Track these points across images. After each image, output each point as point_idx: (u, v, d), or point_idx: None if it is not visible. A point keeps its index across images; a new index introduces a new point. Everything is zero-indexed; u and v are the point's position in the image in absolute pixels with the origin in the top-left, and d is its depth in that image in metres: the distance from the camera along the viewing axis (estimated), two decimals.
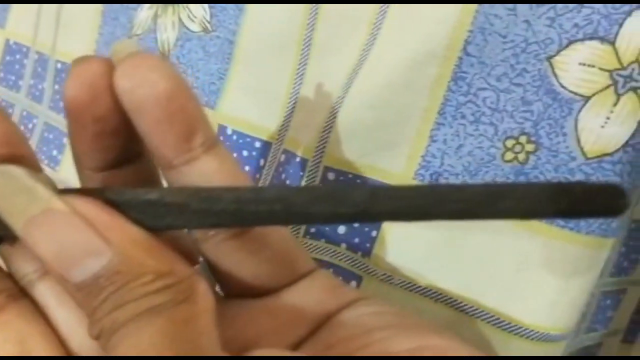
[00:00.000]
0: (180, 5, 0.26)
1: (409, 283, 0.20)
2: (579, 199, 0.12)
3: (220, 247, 0.15)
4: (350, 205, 0.12)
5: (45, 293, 0.14)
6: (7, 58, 0.35)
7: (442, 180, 0.20)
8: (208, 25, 0.25)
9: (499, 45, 0.19)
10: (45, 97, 0.32)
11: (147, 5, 0.27)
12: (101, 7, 0.29)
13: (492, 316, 0.19)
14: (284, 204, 0.13)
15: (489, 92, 0.19)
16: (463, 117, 0.20)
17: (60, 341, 0.14)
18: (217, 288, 0.18)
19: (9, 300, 0.14)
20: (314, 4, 0.22)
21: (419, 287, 0.20)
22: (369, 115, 0.20)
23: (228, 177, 0.15)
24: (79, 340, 0.14)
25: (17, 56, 0.34)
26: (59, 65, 0.32)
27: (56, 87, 0.32)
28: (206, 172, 0.15)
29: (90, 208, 0.13)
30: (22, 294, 0.14)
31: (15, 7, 0.35)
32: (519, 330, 0.19)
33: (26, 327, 0.14)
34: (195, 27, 0.25)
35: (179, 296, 0.13)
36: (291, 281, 0.17)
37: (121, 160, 0.16)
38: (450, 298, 0.20)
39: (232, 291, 0.17)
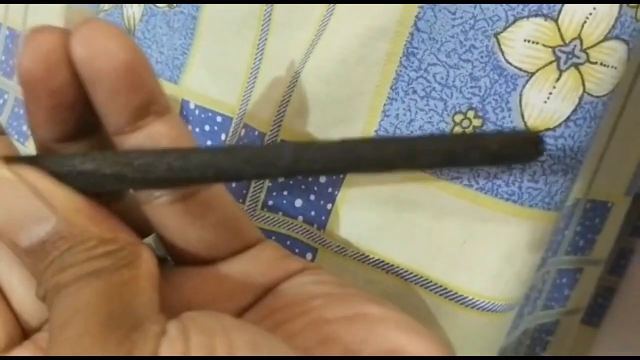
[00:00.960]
0: None
1: (362, 255, 0.21)
2: (499, 146, 0.12)
3: (164, 210, 0.16)
4: (277, 165, 0.13)
5: None
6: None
7: None
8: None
9: (449, 21, 0.19)
10: (16, 73, 0.33)
11: None
12: None
13: (439, 287, 0.20)
14: (215, 168, 0.13)
15: (439, 67, 0.20)
16: (414, 92, 0.20)
17: (3, 298, 0.15)
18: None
19: None
20: None
21: (371, 258, 0.21)
22: (323, 90, 0.21)
23: (175, 142, 0.15)
24: (20, 298, 0.15)
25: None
26: None
27: None
28: (154, 136, 0.15)
29: (36, 177, 0.14)
30: None
31: None
32: (465, 300, 0.20)
33: None
34: (160, 3, 0.26)
35: (121, 261, 0.14)
36: (238, 250, 0.17)
37: (77, 132, 0.16)
38: (400, 269, 0.20)
39: (179, 258, 0.17)
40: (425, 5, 0.19)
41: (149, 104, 0.15)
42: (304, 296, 0.16)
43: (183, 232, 0.16)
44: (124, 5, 0.27)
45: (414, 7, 0.19)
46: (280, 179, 0.22)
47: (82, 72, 0.14)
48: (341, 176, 0.21)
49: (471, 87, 0.19)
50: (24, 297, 0.16)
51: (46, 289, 0.14)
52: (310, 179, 0.22)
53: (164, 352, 0.12)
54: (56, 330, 0.13)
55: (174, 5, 0.25)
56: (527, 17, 0.18)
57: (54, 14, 0.30)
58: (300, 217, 0.22)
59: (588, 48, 0.18)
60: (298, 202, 0.22)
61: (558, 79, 0.18)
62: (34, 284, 0.14)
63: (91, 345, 0.12)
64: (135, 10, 0.26)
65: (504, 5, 0.18)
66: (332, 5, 0.21)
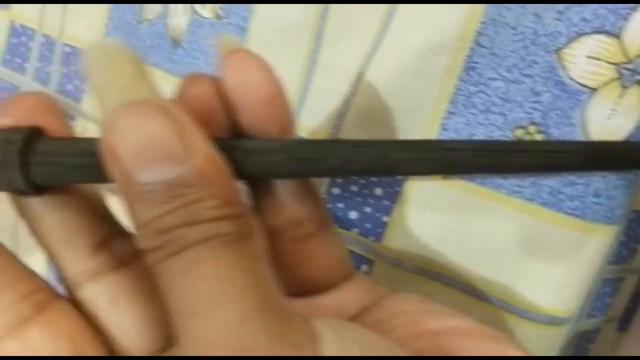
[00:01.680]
0: None
1: (419, 267, 0.21)
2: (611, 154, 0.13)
3: (296, 244, 0.16)
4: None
5: (97, 293, 0.14)
6: (13, 40, 0.35)
7: None
8: (220, 11, 0.25)
9: (510, 36, 0.19)
10: (52, 80, 0.33)
11: None
12: None
13: (500, 300, 0.20)
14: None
15: (499, 82, 0.20)
16: (473, 106, 0.20)
17: (110, 341, 0.14)
18: None
19: (50, 299, 0.14)
20: None
21: (429, 271, 0.21)
22: (381, 103, 0.21)
23: None
24: (130, 339, 0.14)
25: (23, 39, 0.35)
26: (66, 49, 0.32)
27: (64, 70, 0.32)
28: None
29: (185, 116, 0.12)
30: (59, 295, 0.15)
31: None
32: (526, 313, 0.20)
33: (75, 325, 0.14)
34: (206, 13, 0.26)
35: (243, 230, 0.12)
36: (338, 282, 0.18)
37: None
38: (459, 282, 0.21)
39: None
40: (487, 21, 0.19)
41: (285, 132, 0.15)
42: (396, 312, 0.17)
43: (307, 263, 0.17)
44: (168, 15, 0.27)
45: (475, 22, 0.20)
46: (336, 191, 0.22)
47: (231, 96, 0.15)
48: (397, 189, 0.21)
49: (532, 101, 0.19)
50: (125, 336, 0.15)
51: (166, 240, 0.12)
52: (365, 191, 0.22)
53: (327, 352, 0.12)
54: (196, 305, 0.11)
55: (222, 16, 0.25)
56: (590, 33, 0.18)
57: (92, 20, 0.30)
58: (355, 229, 0.22)
59: None
60: (353, 214, 0.22)
61: (621, 96, 0.18)
62: (139, 322, 0.14)
63: (255, 336, 0.11)
64: (181, 20, 0.26)
65: (566, 21, 0.19)
66: (387, 17, 0.21)
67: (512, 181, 0.20)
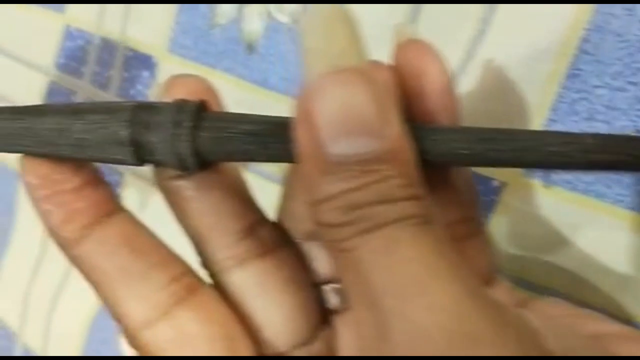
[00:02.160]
0: None
1: (516, 278, 0.21)
2: None
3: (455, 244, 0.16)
4: None
5: (245, 279, 0.14)
6: (67, 44, 0.35)
7: (553, 177, 0.20)
8: (299, 16, 0.25)
9: (615, 44, 0.19)
10: (112, 85, 0.32)
11: None
12: None
13: (605, 310, 0.20)
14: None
15: (603, 89, 0.20)
16: (576, 113, 0.20)
17: (255, 329, 0.14)
18: None
19: (197, 282, 0.14)
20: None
21: (525, 281, 0.21)
22: (481, 107, 0.21)
23: None
24: (275, 328, 0.14)
25: (79, 42, 0.34)
26: (129, 53, 0.31)
27: (125, 74, 0.32)
28: None
29: (387, 90, 0.12)
30: (203, 280, 0.14)
31: None
32: (631, 323, 0.20)
33: (224, 310, 0.14)
34: (284, 18, 0.25)
35: (429, 212, 0.12)
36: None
37: None
38: (563, 294, 0.20)
39: None
40: (592, 28, 0.19)
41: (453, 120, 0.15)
42: (546, 316, 0.16)
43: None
44: (243, 19, 0.27)
45: (580, 29, 0.19)
46: None
47: (408, 85, 0.14)
48: (494, 198, 0.21)
49: (637, 109, 0.19)
50: (271, 324, 0.14)
51: (357, 216, 0.11)
52: None
53: (555, 351, 0.11)
54: (405, 287, 0.11)
55: (299, 21, 0.25)
56: None
57: (157, 24, 0.30)
58: None
59: None
60: None
61: None
62: (286, 311, 0.13)
63: (477, 322, 0.10)
64: (256, 25, 0.26)
65: None
66: (483, 24, 0.21)
67: (615, 190, 0.20)
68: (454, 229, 0.15)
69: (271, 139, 0.13)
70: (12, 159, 0.37)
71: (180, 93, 0.14)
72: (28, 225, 0.38)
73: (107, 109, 0.13)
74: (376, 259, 0.11)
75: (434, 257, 0.11)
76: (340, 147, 0.11)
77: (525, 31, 0.20)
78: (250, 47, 0.26)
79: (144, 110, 0.13)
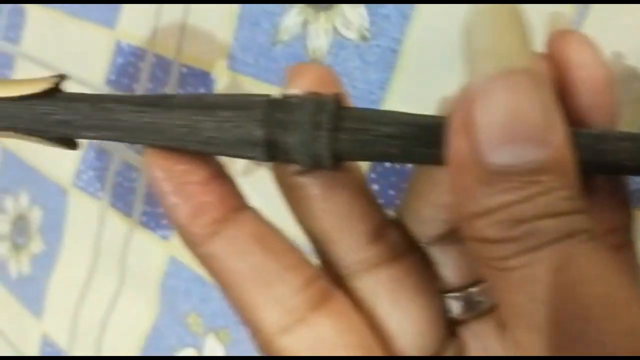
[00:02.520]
0: (335, 12, 0.25)
1: None
2: None
3: None
4: None
5: (376, 285, 0.13)
6: (119, 60, 0.35)
7: None
8: (366, 33, 0.25)
9: None
10: None
11: (295, 11, 0.26)
12: (237, 10, 0.29)
13: None
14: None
15: None
16: None
17: (386, 338, 0.13)
18: None
19: (331, 287, 0.13)
20: None
21: None
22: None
23: None
24: (407, 338, 0.13)
25: (131, 58, 0.34)
26: (184, 70, 0.31)
27: (180, 91, 0.31)
28: None
29: (552, 93, 0.11)
30: (334, 285, 0.13)
31: (128, 7, 0.34)
32: None
33: (357, 317, 0.13)
34: (351, 34, 0.25)
35: (593, 226, 0.11)
36: None
37: None
38: None
39: None
40: None
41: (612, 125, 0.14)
42: None
43: None
44: (307, 36, 0.26)
45: None
46: None
47: (567, 79, 0.13)
48: None
49: None
50: (402, 333, 0.14)
51: (509, 233, 0.10)
52: None
53: None
54: (590, 309, 0.10)
55: (368, 37, 0.24)
56: None
57: (215, 39, 0.30)
58: None
59: None
60: None
61: None
62: (417, 320, 0.13)
63: None
64: (322, 42, 0.26)
65: None
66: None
67: None
68: (609, 238, 0.14)
69: (416, 142, 0.12)
70: (61, 177, 0.37)
71: (308, 83, 0.13)
72: (76, 243, 0.38)
73: (238, 105, 0.13)
74: (551, 278, 0.10)
75: (619, 277, 0.10)
76: (503, 156, 0.10)
77: (617, 35, 0.19)
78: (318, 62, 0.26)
79: (278, 108, 0.12)
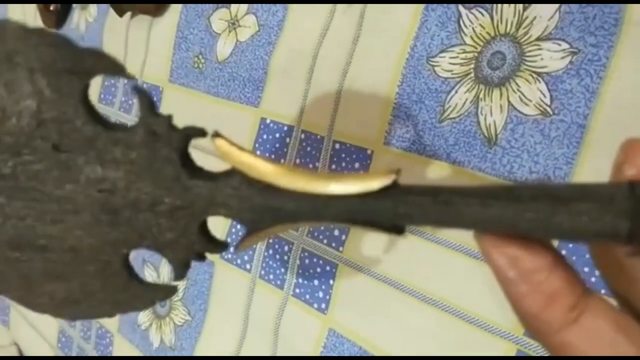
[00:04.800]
0: (510, 88, 0.25)
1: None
2: None
3: None
4: None
5: None
6: (263, 136, 0.36)
7: None
8: (548, 108, 0.24)
9: None
10: None
11: (463, 89, 0.27)
12: (396, 90, 0.29)
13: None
14: None
15: None
16: None
17: None
18: None
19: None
20: None
21: None
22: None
23: None
24: None
25: (277, 135, 0.35)
26: (337, 146, 0.32)
27: (333, 167, 0.32)
28: None
29: None
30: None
31: (269, 87, 0.35)
32: None
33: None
34: (529, 110, 0.25)
35: None
36: None
37: None
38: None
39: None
40: None
41: None
42: None
43: None
44: (479, 113, 0.26)
45: None
46: None
47: None
48: None
49: None
50: None
51: None
52: None
53: None
54: None
55: (550, 113, 0.24)
56: None
57: (369, 118, 0.30)
58: None
59: None
60: None
61: None
62: None
63: None
64: (496, 118, 0.26)
65: None
66: None
67: None
68: None
69: None
70: None
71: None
72: (222, 314, 0.38)
73: (595, 197, 0.12)
74: None
75: None
76: None
77: None
78: (490, 141, 0.26)
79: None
